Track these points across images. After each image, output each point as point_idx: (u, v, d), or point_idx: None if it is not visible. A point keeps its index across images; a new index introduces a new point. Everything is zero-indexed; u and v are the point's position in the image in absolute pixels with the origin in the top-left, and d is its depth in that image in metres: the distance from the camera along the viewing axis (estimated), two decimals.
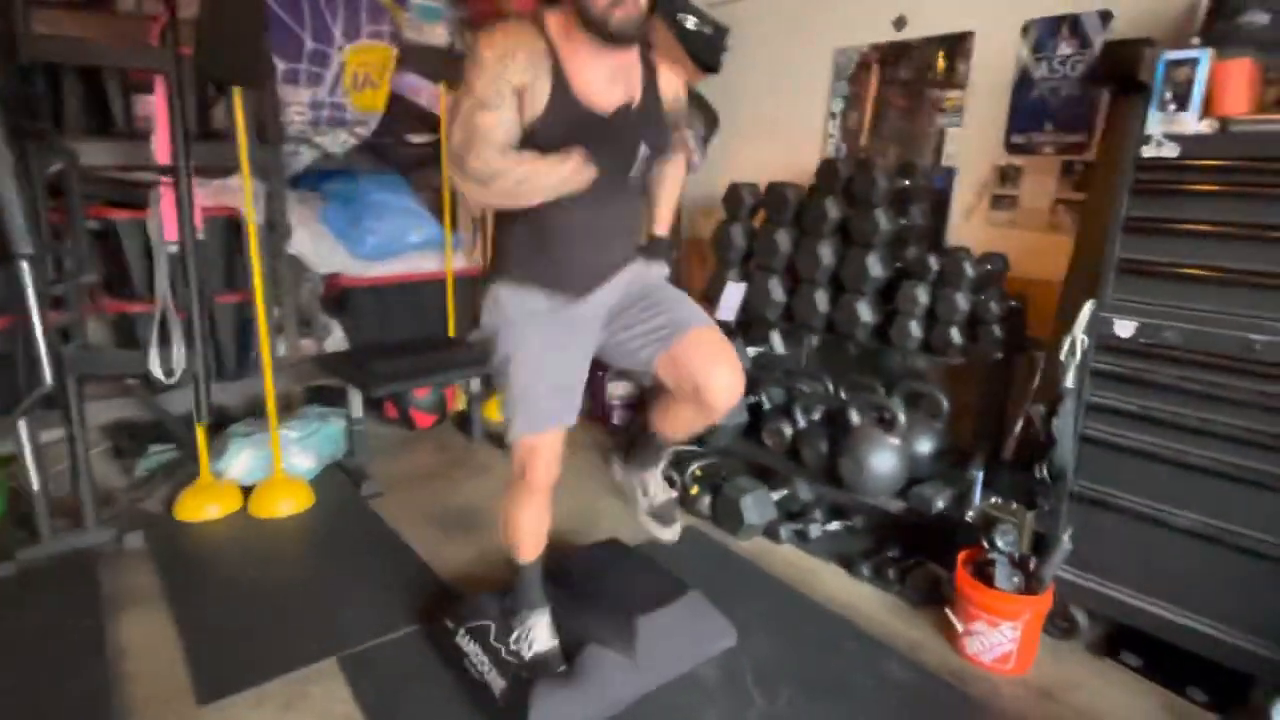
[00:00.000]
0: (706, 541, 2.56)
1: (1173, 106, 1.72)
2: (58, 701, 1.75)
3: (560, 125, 1.45)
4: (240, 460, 2.79)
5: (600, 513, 2.66)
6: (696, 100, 3.22)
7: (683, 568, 2.24)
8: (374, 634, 2.02)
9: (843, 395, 2.56)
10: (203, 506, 2.62)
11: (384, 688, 1.83)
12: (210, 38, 2.16)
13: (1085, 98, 2.27)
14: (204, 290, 2.46)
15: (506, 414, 1.66)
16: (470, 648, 1.85)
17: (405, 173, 3.57)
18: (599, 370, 3.19)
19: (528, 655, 1.78)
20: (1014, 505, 2.06)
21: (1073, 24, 2.28)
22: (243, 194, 2.85)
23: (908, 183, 2.50)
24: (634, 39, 1.49)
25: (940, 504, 2.17)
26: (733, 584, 2.28)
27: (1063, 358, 1.89)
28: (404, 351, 3.08)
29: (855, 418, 2.32)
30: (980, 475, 2.17)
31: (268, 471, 2.78)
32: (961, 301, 2.21)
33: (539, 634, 1.81)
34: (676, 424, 1.81)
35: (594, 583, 2.05)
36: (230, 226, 2.88)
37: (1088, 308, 1.86)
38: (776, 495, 2.60)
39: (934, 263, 2.28)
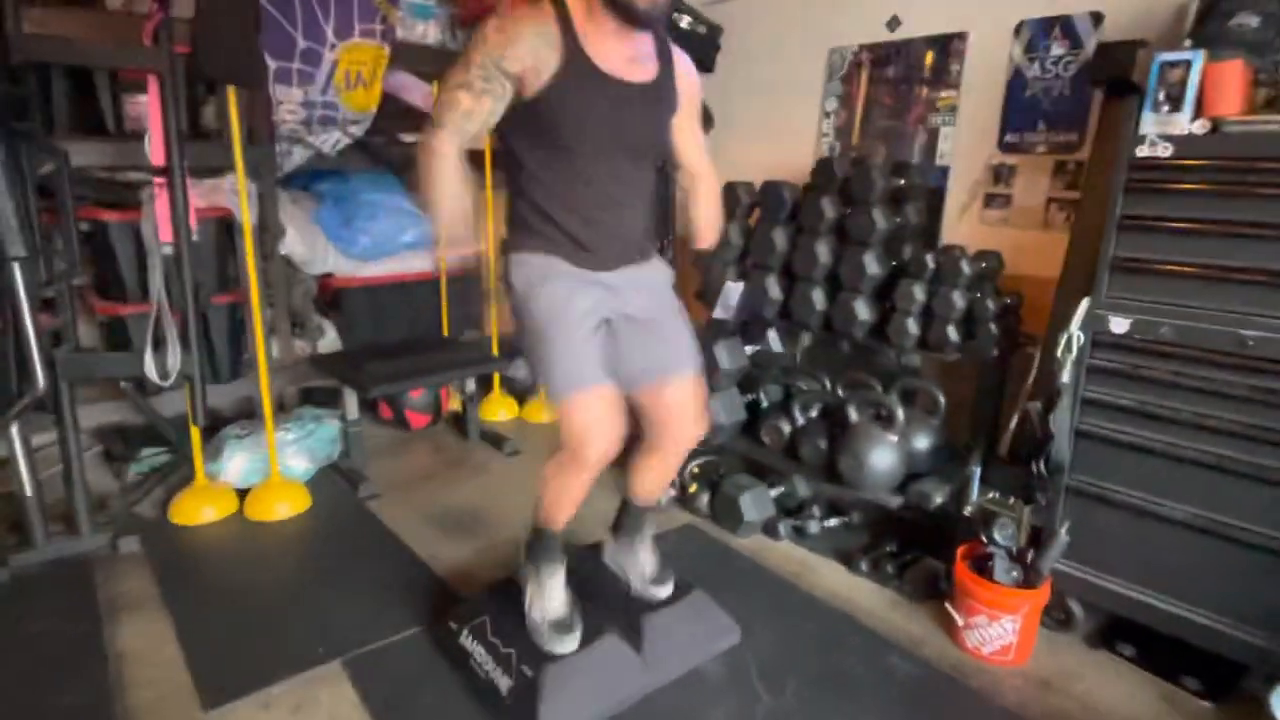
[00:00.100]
0: (706, 539, 2.57)
1: (1166, 107, 1.75)
2: (59, 709, 1.73)
3: (578, 85, 1.46)
4: (235, 463, 2.76)
5: (600, 513, 2.66)
6: None
7: (683, 565, 2.24)
8: (378, 636, 2.01)
9: (840, 392, 2.58)
10: (198, 510, 2.60)
11: (392, 690, 1.83)
12: (206, 37, 2.14)
13: (1078, 97, 2.31)
14: (199, 292, 2.43)
15: (549, 378, 1.57)
16: (474, 647, 1.85)
17: (398, 172, 3.54)
18: None
19: (541, 619, 1.77)
20: (1011, 500, 2.10)
21: (1064, 25, 2.32)
22: (234, 194, 2.84)
23: (903, 181, 2.52)
24: (658, 22, 1.51)
25: (938, 499, 2.20)
26: (733, 581, 2.29)
27: (1059, 354, 1.92)
28: (399, 352, 3.07)
29: (854, 414, 2.35)
30: (978, 471, 2.20)
31: (264, 474, 2.76)
32: (958, 299, 2.24)
33: (555, 592, 1.79)
34: (646, 478, 1.88)
35: (597, 582, 2.05)
36: (222, 227, 2.86)
37: (1083, 305, 1.89)
38: (774, 492, 2.62)
39: (931, 261, 2.31)
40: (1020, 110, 2.44)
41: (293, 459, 2.85)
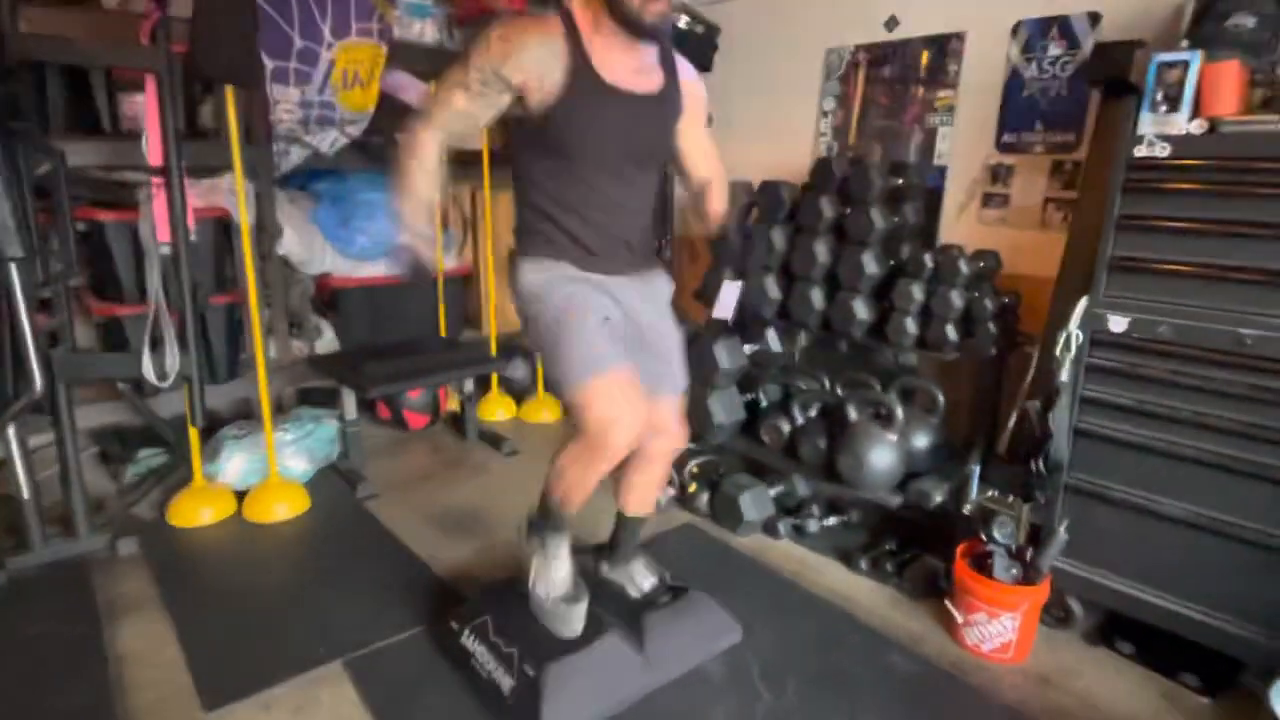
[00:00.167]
0: (705, 538, 2.58)
1: (1164, 107, 1.77)
2: (59, 711, 1.73)
3: (582, 99, 1.47)
4: (234, 464, 2.75)
5: (600, 514, 2.66)
6: None
7: (683, 564, 2.26)
8: (379, 636, 2.01)
9: (839, 392, 2.59)
10: (197, 511, 2.59)
11: (393, 690, 1.83)
12: (205, 36, 2.13)
13: (1075, 98, 2.32)
14: (197, 292, 2.42)
15: (563, 369, 1.54)
16: (476, 647, 1.85)
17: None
18: None
19: (545, 592, 1.78)
20: (1010, 498, 2.11)
21: (1062, 25, 2.33)
22: (231, 194, 2.83)
23: (901, 181, 2.53)
24: (664, 35, 1.52)
25: (938, 498, 2.20)
26: (733, 580, 2.30)
27: (1058, 353, 1.93)
28: (397, 352, 3.06)
29: (853, 414, 2.35)
30: (977, 469, 2.21)
31: (262, 475, 2.75)
32: (957, 299, 2.25)
33: (561, 566, 1.80)
34: (635, 489, 1.91)
35: (597, 582, 2.05)
36: (220, 227, 2.85)
37: (1082, 304, 1.90)
38: (773, 491, 2.63)
39: (929, 260, 2.32)
40: (1018, 110, 2.45)
41: (291, 460, 2.84)
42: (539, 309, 1.60)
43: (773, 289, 2.65)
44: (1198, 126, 1.74)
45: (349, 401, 2.91)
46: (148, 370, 2.34)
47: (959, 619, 2.02)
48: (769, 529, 2.57)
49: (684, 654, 1.90)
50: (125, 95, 2.70)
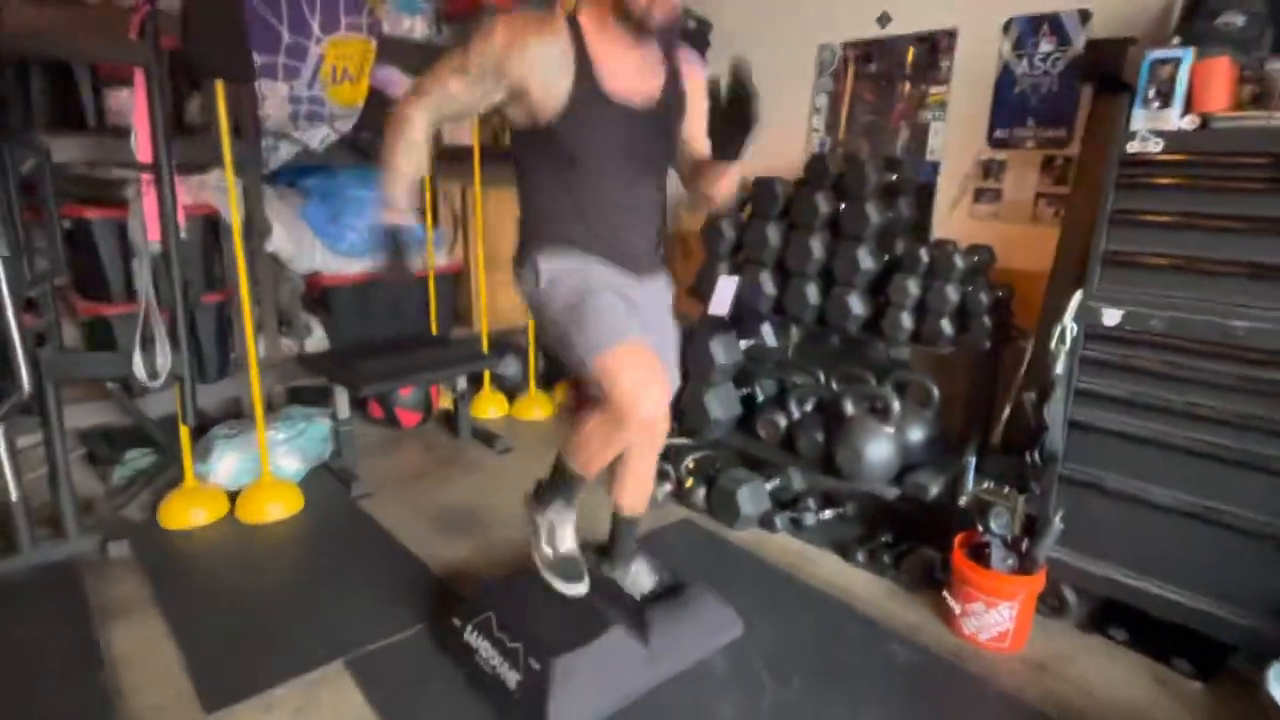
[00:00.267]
0: (703, 533, 2.59)
1: (1156, 103, 1.79)
2: (56, 715, 1.70)
3: (588, 116, 1.47)
4: (225, 464, 2.72)
5: (599, 510, 2.66)
6: None
7: (682, 559, 2.27)
8: (379, 635, 2.00)
9: (834, 386, 2.61)
10: (188, 512, 2.56)
11: (397, 689, 1.82)
12: (197, 31, 2.10)
13: (1066, 94, 2.35)
14: (188, 291, 2.39)
15: (581, 346, 1.50)
16: (479, 643, 1.85)
17: None
18: None
19: (551, 554, 1.80)
20: (1006, 489, 2.13)
21: (1053, 22, 2.36)
22: (219, 191, 2.79)
23: (895, 176, 2.55)
24: (672, 31, 1.51)
25: (935, 490, 2.23)
26: (732, 574, 2.31)
27: (1052, 346, 1.96)
28: (389, 350, 3.04)
29: (849, 408, 2.37)
30: (973, 461, 2.24)
31: (254, 475, 2.72)
32: (952, 293, 2.27)
33: (566, 533, 1.83)
34: (627, 485, 1.92)
35: (601, 577, 2.05)
36: (208, 225, 2.81)
37: (1077, 297, 1.92)
38: (769, 485, 2.65)
39: (924, 255, 2.34)
40: (1009, 106, 2.48)
41: (284, 459, 2.81)
42: (552, 295, 1.58)
43: (768, 284, 2.66)
44: (1189, 122, 1.77)
45: (342, 400, 2.88)
46: (138, 370, 2.31)
47: (956, 609, 2.05)
48: (766, 523, 2.59)
49: (688, 648, 1.91)
50: (110, 90, 2.64)
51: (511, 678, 1.74)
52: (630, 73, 1.52)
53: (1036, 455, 2.03)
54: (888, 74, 2.82)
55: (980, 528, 2.10)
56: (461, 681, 1.83)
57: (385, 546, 2.49)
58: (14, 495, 2.19)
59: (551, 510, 1.83)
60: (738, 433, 2.72)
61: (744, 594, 2.14)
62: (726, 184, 1.61)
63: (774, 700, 1.81)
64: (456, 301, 3.74)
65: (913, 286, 2.33)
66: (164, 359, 2.34)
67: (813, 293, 2.56)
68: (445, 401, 3.59)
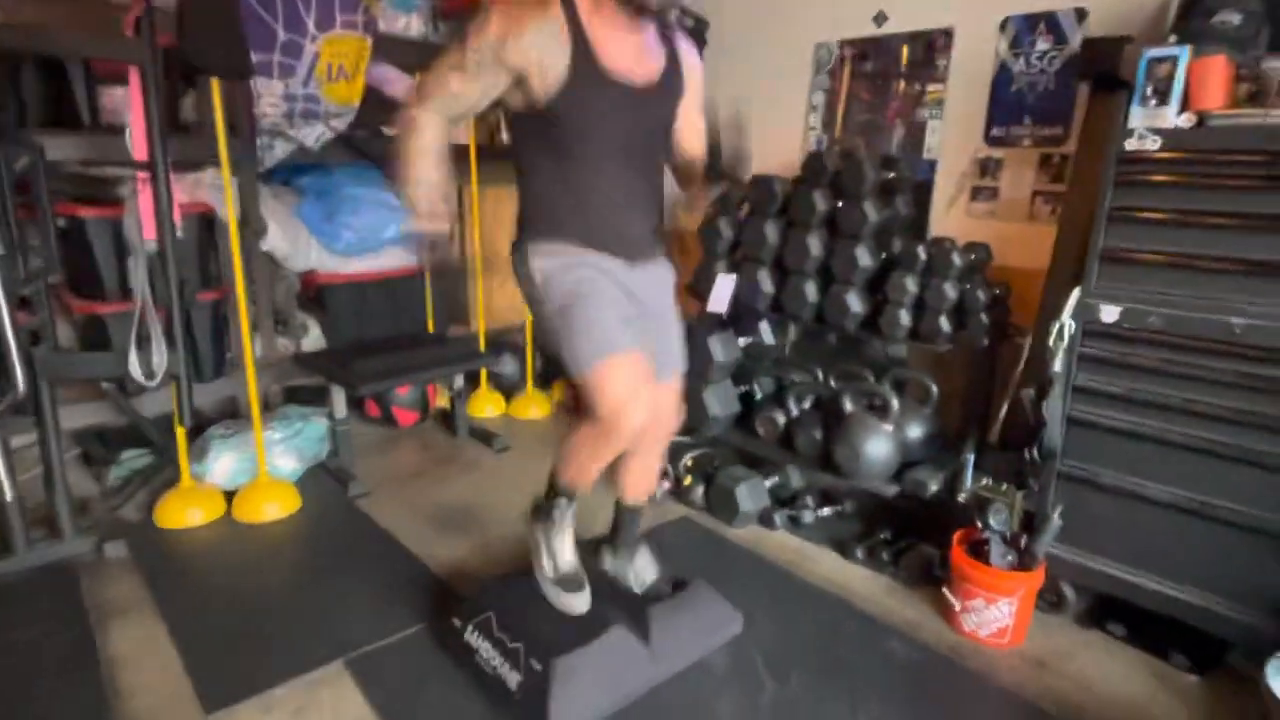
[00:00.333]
0: (702, 530, 2.59)
1: (1154, 101, 1.80)
2: (55, 716, 1.69)
3: (586, 94, 1.46)
4: (222, 463, 2.71)
5: (595, 508, 2.66)
6: None
7: (681, 556, 2.27)
8: (379, 635, 1.99)
9: (832, 384, 2.61)
10: (185, 512, 2.55)
11: (397, 689, 1.81)
12: (193, 28, 2.09)
13: (1062, 92, 2.36)
14: (185, 289, 2.37)
15: (574, 353, 1.53)
16: (480, 643, 1.84)
17: (381, 166, 3.50)
18: None
19: (551, 573, 1.79)
20: (1004, 486, 2.14)
21: (1049, 20, 2.37)
22: (214, 189, 2.78)
23: (892, 174, 2.56)
24: (668, 14, 1.51)
25: (934, 487, 2.24)
26: (732, 571, 2.31)
27: (1051, 343, 1.96)
28: (386, 349, 3.03)
29: (848, 405, 2.38)
30: (971, 458, 2.24)
31: (251, 474, 2.71)
32: (950, 290, 2.27)
33: (565, 549, 1.81)
34: (633, 474, 1.90)
35: (600, 576, 2.05)
36: (203, 223, 2.79)
37: (1075, 294, 1.93)
38: (768, 483, 2.65)
39: (922, 253, 2.34)
40: (1006, 104, 2.49)
41: (280, 458, 2.80)
42: (546, 293, 1.59)
43: (766, 282, 2.66)
44: (1187, 120, 1.78)
45: (339, 399, 2.87)
46: (134, 369, 2.29)
47: (956, 605, 2.05)
48: (764, 520, 2.59)
49: (688, 646, 1.91)
50: (105, 88, 2.62)
51: (512, 678, 1.73)
52: (629, 54, 1.52)
53: (1035, 452, 2.04)
54: (884, 72, 2.82)
55: (979, 524, 2.10)
56: (462, 681, 1.83)
57: (383, 546, 2.49)
58: (9, 496, 2.17)
59: (549, 526, 1.82)
60: (736, 430, 2.72)
61: (743, 591, 2.14)
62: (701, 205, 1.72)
63: (774, 698, 1.82)
64: (453, 300, 3.73)
65: (911, 284, 2.33)
66: (160, 358, 2.33)
67: (811, 290, 2.56)
68: (442, 400, 3.58)
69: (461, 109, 1.53)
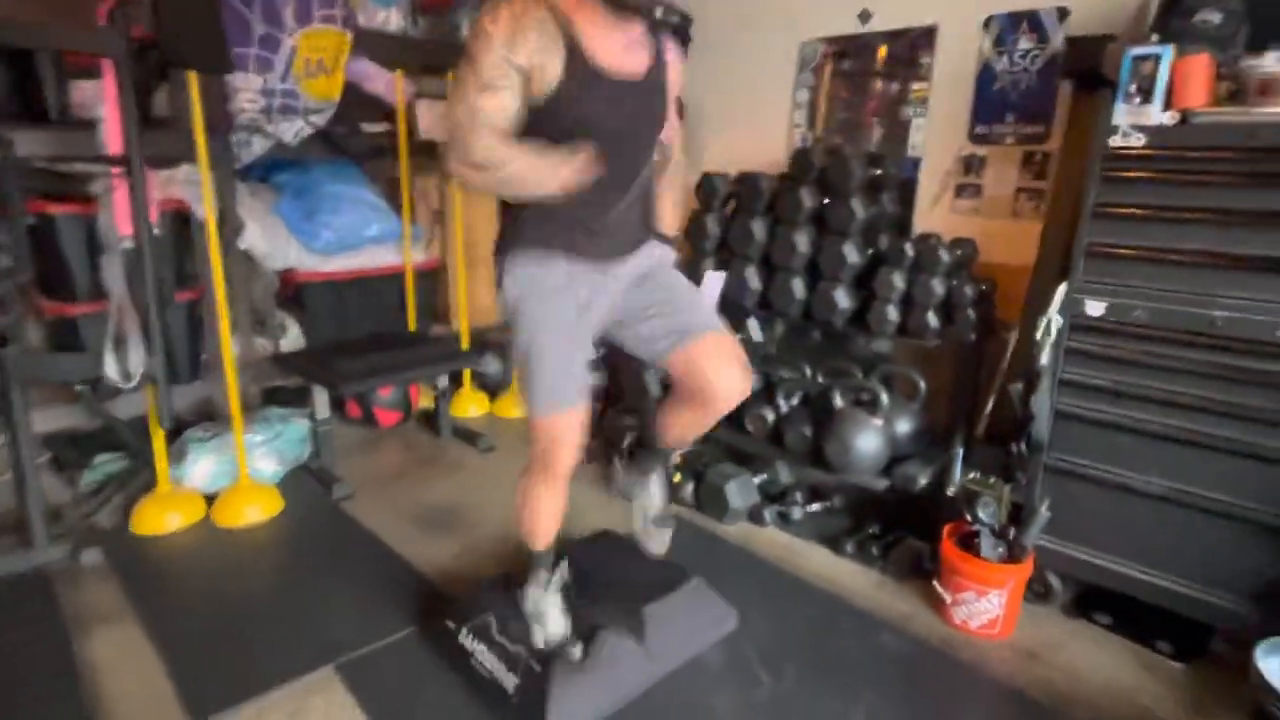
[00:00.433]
0: (692, 528, 2.58)
1: (1138, 99, 1.83)
2: None
3: (580, 88, 1.44)
4: (200, 467, 2.65)
5: (583, 507, 2.65)
6: None
7: (672, 555, 2.24)
8: (369, 639, 1.96)
9: (820, 379, 2.63)
10: (163, 517, 2.49)
11: (390, 693, 1.78)
12: (171, 20, 2.03)
13: (1044, 90, 2.39)
14: (163, 288, 2.31)
15: (532, 391, 1.61)
16: (475, 646, 1.82)
17: (360, 163, 3.45)
18: None
19: (541, 642, 1.76)
20: (992, 479, 2.16)
21: (1031, 19, 2.39)
22: (189, 186, 2.71)
23: (879, 172, 2.57)
24: (650, 11, 1.49)
25: (923, 481, 2.26)
26: (724, 568, 2.31)
27: (1038, 337, 1.99)
28: (368, 348, 2.98)
29: (838, 401, 2.39)
30: (960, 452, 2.27)
31: (231, 478, 2.65)
32: (938, 286, 2.29)
33: (552, 619, 1.79)
34: (682, 427, 1.83)
35: (594, 575, 2.03)
36: (179, 221, 2.72)
37: (1061, 289, 1.96)
38: (757, 479, 2.65)
39: (909, 249, 2.36)
40: (989, 102, 2.52)
41: (261, 461, 2.75)
42: (516, 321, 1.62)
43: (753, 279, 2.66)
44: (1170, 118, 1.81)
45: (321, 400, 2.82)
46: (110, 371, 2.23)
47: (947, 598, 2.07)
48: (754, 517, 2.60)
49: (684, 644, 1.90)
50: (76, 82, 2.54)
51: (510, 681, 1.72)
52: (616, 49, 1.50)
53: (1023, 445, 2.06)
54: (861, 71, 2.85)
55: (969, 517, 2.12)
56: (457, 685, 1.81)
57: (370, 548, 2.45)
58: None
59: (534, 596, 1.81)
60: (725, 426, 2.71)
61: (736, 588, 2.14)
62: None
63: (771, 693, 1.82)
64: (435, 299, 3.69)
65: (899, 280, 2.35)
66: (137, 360, 2.26)
67: (799, 287, 2.56)
68: (425, 400, 3.53)
69: (503, 123, 1.44)
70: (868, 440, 2.29)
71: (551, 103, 1.45)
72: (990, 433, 2.35)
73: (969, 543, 2.08)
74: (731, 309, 2.68)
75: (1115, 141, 1.87)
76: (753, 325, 2.77)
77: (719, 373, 1.66)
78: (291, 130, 2.94)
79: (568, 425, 1.62)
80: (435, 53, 3.32)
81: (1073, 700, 1.81)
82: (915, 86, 2.70)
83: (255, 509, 2.58)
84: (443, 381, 3.32)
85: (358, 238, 3.25)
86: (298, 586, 2.24)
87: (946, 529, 2.13)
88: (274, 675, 1.82)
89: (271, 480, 2.77)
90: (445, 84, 3.32)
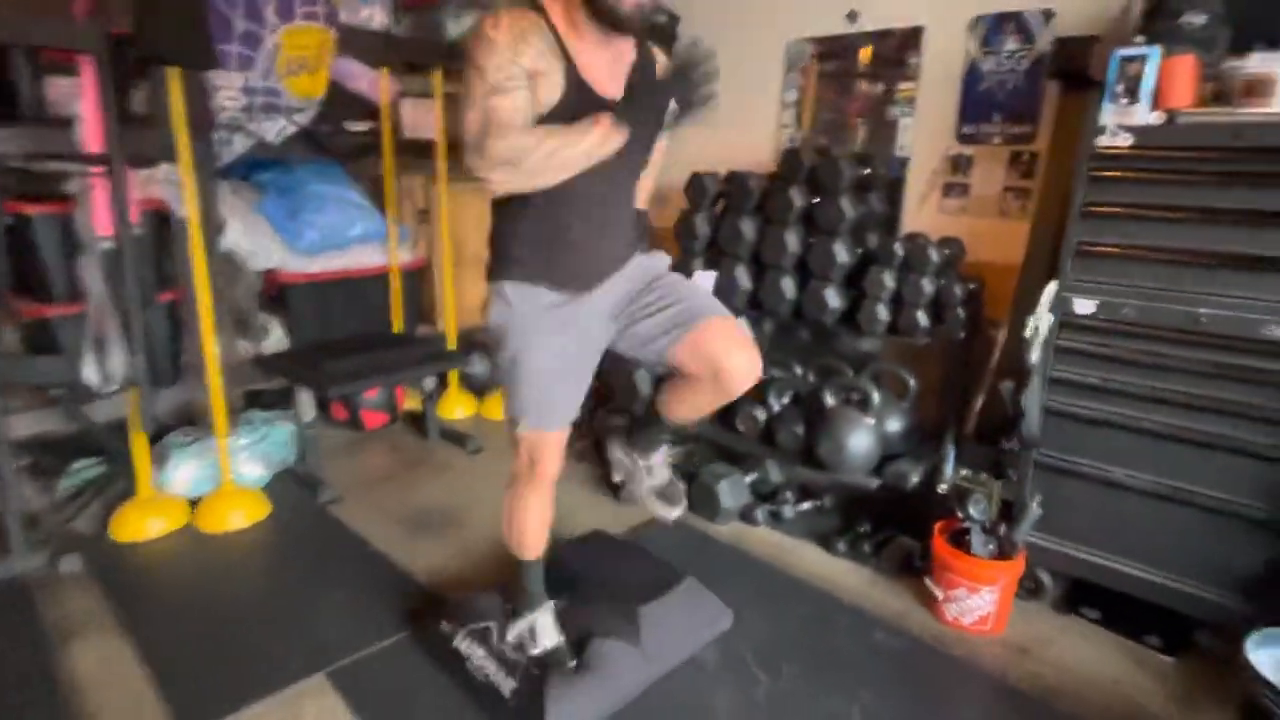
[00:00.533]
0: (685, 528, 2.57)
1: (1125, 100, 1.85)
2: None
3: (579, 109, 1.42)
4: (183, 472, 2.60)
5: (574, 507, 2.64)
6: None
7: (665, 555, 2.25)
8: (360, 644, 1.93)
9: (810, 378, 2.63)
10: (144, 523, 2.44)
11: (384, 699, 1.76)
12: (151, 15, 1.98)
13: (1030, 90, 2.42)
14: (145, 290, 2.26)
15: (513, 410, 1.64)
16: (472, 650, 1.80)
17: (344, 162, 3.40)
18: None
19: (535, 653, 1.75)
20: (983, 476, 2.18)
21: (1017, 20, 2.42)
22: (168, 185, 2.65)
23: (868, 171, 2.59)
24: (639, 28, 1.48)
25: (915, 479, 2.27)
26: (717, 568, 2.30)
27: (1028, 335, 2.01)
28: (354, 349, 2.93)
29: (830, 400, 2.39)
30: (951, 450, 2.28)
31: (215, 482, 2.60)
32: (927, 285, 2.31)
33: (545, 631, 1.78)
34: (689, 407, 1.76)
35: (588, 576, 2.03)
36: (159, 221, 2.67)
37: (1052, 288, 1.98)
38: (748, 479, 2.66)
39: (899, 248, 2.37)
40: (976, 102, 2.54)
41: (246, 465, 2.70)
42: (500, 343, 1.62)
43: (743, 278, 2.67)
44: (1157, 118, 1.83)
45: (306, 402, 2.77)
46: (90, 374, 2.18)
47: (939, 595, 2.08)
48: (746, 516, 2.60)
49: (680, 644, 1.90)
50: (51, 78, 2.47)
51: (507, 685, 1.70)
52: (604, 68, 1.48)
53: (1014, 442, 2.08)
54: (845, 72, 2.86)
55: (960, 514, 2.14)
56: (452, 689, 1.78)
57: (358, 552, 2.42)
58: None
59: (526, 611, 1.80)
60: (715, 426, 2.72)
61: (729, 587, 2.14)
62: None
63: (768, 691, 1.82)
64: (420, 299, 3.65)
65: (888, 279, 2.36)
66: (118, 363, 2.21)
67: (789, 286, 2.57)
68: (412, 402, 3.50)
69: (523, 120, 1.40)
70: (860, 439, 2.30)
71: (550, 120, 1.42)
72: (980, 430, 2.37)
73: (960, 540, 2.09)
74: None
75: (1103, 141, 1.89)
76: (743, 324, 2.77)
77: (729, 353, 1.57)
78: (274, 129, 2.90)
79: (553, 439, 1.65)
80: (419, 50, 3.28)
81: (1064, 694, 1.83)
82: (902, 86, 2.72)
83: (240, 514, 2.54)
84: (430, 383, 3.28)
85: (342, 237, 3.20)
86: (286, 592, 2.20)
87: (938, 526, 2.14)
88: (264, 684, 1.78)
89: (256, 484, 2.72)
90: (429, 82, 3.29)
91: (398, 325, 3.41)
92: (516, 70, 1.37)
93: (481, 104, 1.37)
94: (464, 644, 1.81)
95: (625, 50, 1.54)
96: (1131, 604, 2.02)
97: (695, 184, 2.82)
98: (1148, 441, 1.94)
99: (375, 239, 3.31)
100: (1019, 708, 1.81)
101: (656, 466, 1.93)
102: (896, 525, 2.40)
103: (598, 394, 3.25)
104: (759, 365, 1.63)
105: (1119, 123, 1.87)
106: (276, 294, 3.18)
